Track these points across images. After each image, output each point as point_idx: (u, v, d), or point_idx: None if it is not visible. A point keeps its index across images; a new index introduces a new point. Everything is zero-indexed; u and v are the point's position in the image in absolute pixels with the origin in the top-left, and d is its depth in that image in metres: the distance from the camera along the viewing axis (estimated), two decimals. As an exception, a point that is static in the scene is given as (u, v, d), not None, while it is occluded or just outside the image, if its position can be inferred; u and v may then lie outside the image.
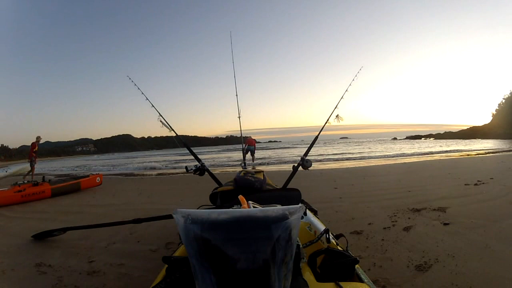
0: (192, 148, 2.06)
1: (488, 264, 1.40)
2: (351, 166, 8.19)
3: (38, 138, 6.95)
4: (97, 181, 5.43)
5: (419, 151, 15.09)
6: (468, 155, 10.57)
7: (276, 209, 0.50)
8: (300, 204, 0.53)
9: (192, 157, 1.98)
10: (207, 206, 1.26)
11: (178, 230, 0.49)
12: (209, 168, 1.94)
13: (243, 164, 2.45)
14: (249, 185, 1.37)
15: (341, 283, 0.64)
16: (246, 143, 9.47)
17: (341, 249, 0.90)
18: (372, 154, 14.04)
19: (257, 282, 0.46)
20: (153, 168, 11.87)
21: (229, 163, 12.89)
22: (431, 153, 13.36)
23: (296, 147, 31.36)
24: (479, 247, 1.61)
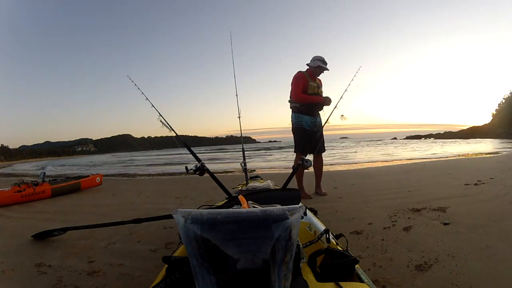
0: (192, 148, 2.07)
1: (488, 264, 1.40)
2: (351, 166, 8.20)
3: None
4: (97, 181, 5.43)
5: (419, 150, 15.09)
6: (468, 155, 10.57)
7: (276, 209, 0.50)
8: (300, 204, 0.53)
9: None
10: (207, 206, 1.26)
11: (178, 230, 0.49)
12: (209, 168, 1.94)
13: (243, 164, 2.45)
14: None
15: (341, 283, 0.64)
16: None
17: (341, 249, 0.90)
18: (372, 154, 14.05)
19: (257, 282, 0.46)
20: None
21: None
22: (431, 152, 13.37)
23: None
24: (479, 247, 1.61)
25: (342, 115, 2.48)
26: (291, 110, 3.38)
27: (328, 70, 3.30)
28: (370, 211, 2.54)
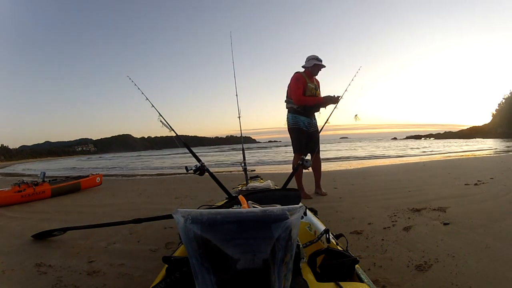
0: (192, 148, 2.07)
1: (488, 264, 1.40)
2: (351, 166, 8.19)
3: None
4: (97, 181, 5.43)
5: (419, 150, 15.10)
6: (468, 155, 10.57)
7: (276, 209, 0.50)
8: (300, 204, 0.53)
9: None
10: (207, 206, 1.26)
11: (178, 230, 0.49)
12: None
13: (243, 164, 2.45)
14: None
15: (341, 283, 0.64)
16: None
17: (341, 249, 0.90)
18: (372, 154, 14.05)
19: (257, 282, 0.46)
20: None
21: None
22: (431, 152, 13.37)
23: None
24: (479, 247, 1.61)
25: (356, 115, 2.46)
26: (287, 110, 3.36)
27: (324, 66, 3.24)
28: (370, 211, 2.54)
